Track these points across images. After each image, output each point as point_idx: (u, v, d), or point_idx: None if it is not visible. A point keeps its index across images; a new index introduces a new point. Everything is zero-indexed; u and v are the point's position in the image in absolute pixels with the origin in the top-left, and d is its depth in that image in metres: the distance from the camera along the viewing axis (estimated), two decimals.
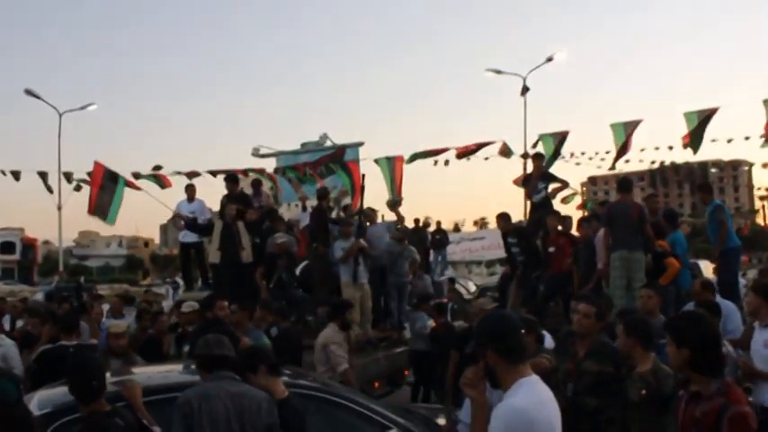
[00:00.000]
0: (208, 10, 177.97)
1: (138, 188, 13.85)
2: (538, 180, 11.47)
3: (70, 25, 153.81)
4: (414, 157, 14.55)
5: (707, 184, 11.30)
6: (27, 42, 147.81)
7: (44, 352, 6.58)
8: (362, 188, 10.74)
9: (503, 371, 2.97)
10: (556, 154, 13.39)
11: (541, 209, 11.36)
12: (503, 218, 11.01)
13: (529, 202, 12.34)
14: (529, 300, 9.97)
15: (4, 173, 15.52)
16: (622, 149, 12.39)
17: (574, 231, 10.61)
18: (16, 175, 15.48)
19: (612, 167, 11.81)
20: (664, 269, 8.67)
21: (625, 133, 12.21)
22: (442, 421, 5.72)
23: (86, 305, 9.99)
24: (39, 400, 4.59)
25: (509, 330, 3.03)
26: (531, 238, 11.00)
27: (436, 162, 14.79)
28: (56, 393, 4.52)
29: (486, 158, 16.49)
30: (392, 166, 14.75)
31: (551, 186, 11.56)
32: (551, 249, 10.31)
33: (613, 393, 4.61)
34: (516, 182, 12.33)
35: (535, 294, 10.28)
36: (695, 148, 11.98)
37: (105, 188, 13.05)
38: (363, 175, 11.45)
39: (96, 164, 13.24)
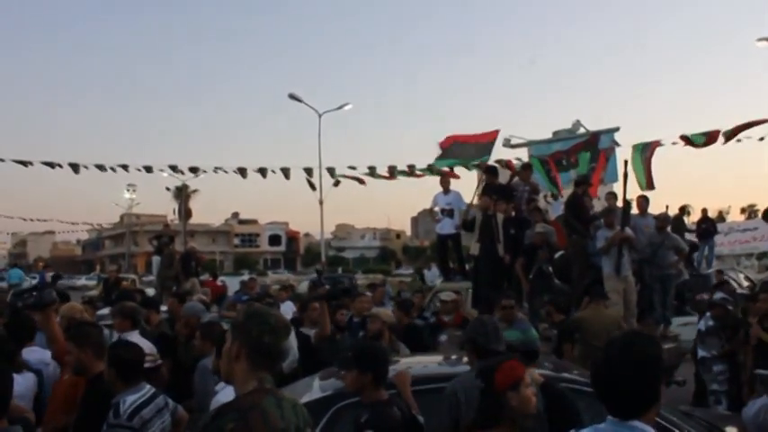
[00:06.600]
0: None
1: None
2: None
3: (329, 35, 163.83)
4: (695, 141, 13.48)
5: None
6: (288, 52, 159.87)
7: None
8: (626, 176, 10.11)
9: None
10: None
11: None
12: None
13: None
14: None
15: (273, 171, 16.75)
16: None
17: None
18: (286, 172, 16.64)
19: None
20: None
21: None
22: (732, 430, 5.12)
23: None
24: (320, 384, 4.80)
25: None
26: None
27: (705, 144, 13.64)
28: (335, 378, 4.68)
29: (761, 139, 15.01)
30: (644, 153, 13.86)
31: None
32: None
33: None
34: None
35: None
36: None
37: None
38: (626, 162, 10.78)
39: None
